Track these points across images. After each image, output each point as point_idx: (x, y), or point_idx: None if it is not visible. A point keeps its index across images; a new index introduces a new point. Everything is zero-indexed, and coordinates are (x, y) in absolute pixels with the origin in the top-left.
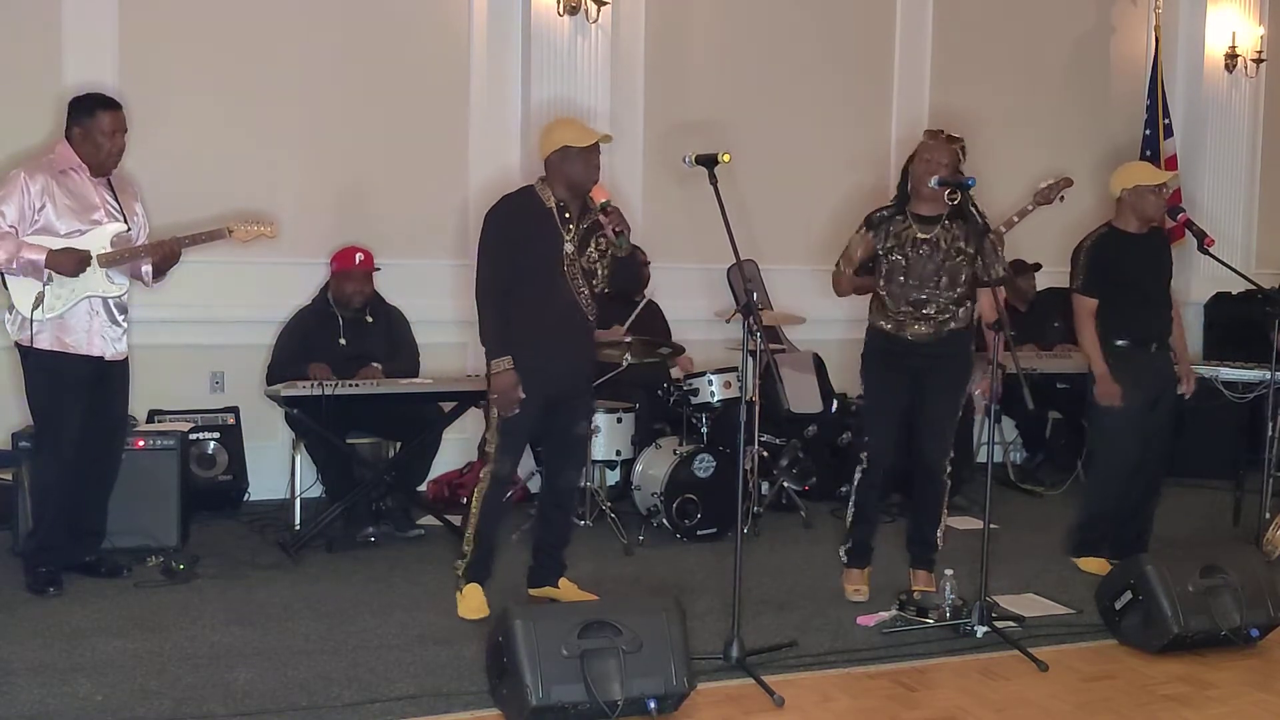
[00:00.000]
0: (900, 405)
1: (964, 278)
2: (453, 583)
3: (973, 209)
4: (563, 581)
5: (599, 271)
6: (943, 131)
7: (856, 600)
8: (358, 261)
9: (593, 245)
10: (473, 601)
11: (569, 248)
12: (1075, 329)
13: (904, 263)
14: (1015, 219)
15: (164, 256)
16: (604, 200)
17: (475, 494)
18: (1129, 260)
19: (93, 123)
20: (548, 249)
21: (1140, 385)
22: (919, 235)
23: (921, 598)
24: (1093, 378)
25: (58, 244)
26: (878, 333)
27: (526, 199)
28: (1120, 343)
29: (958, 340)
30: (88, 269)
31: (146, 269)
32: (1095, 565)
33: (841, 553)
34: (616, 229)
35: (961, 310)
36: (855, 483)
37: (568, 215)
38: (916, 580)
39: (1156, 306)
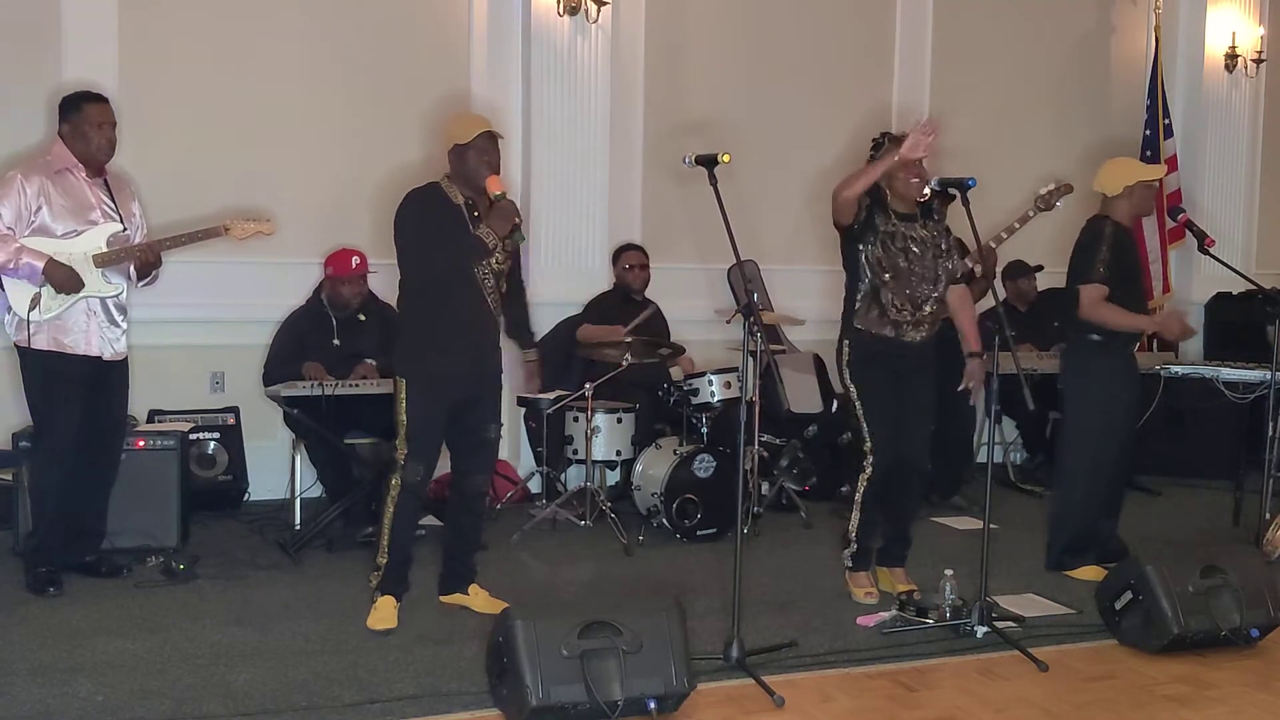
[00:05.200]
0: (896, 405)
1: (946, 274)
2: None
3: (965, 209)
4: (473, 588)
5: (503, 272)
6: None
7: (870, 603)
8: (354, 265)
9: (501, 245)
10: (383, 612)
11: (497, 242)
12: (1093, 318)
13: (905, 261)
14: (1017, 224)
15: (144, 260)
16: (498, 192)
17: (387, 503)
18: (1132, 256)
19: (80, 116)
20: (465, 248)
21: (1120, 386)
22: (908, 234)
23: (922, 597)
24: (1073, 372)
25: (55, 246)
26: (871, 337)
27: (436, 195)
28: (1096, 338)
29: (935, 339)
30: (79, 290)
31: (132, 270)
32: (1090, 573)
33: (846, 557)
34: (515, 223)
35: (940, 310)
36: (862, 488)
37: (476, 214)
38: (897, 579)
39: (1137, 304)
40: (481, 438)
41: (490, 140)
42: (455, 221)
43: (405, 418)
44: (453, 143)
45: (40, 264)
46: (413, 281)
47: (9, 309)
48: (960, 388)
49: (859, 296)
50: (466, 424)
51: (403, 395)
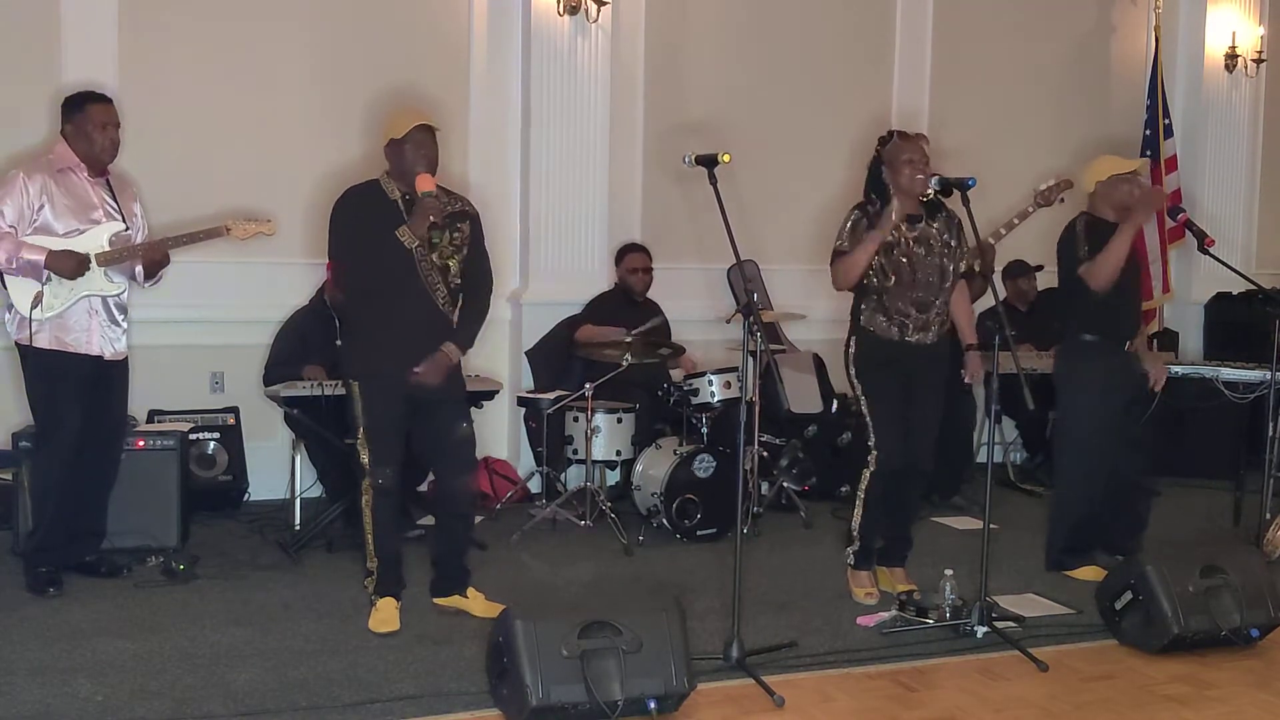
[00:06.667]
0: (903, 406)
1: (953, 272)
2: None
3: (965, 208)
4: (470, 591)
5: (451, 266)
6: (915, 134)
7: (870, 603)
8: None
9: (445, 239)
10: (385, 614)
11: (417, 242)
12: (1100, 285)
13: (908, 263)
14: (1016, 220)
15: (152, 259)
16: (426, 190)
17: (363, 510)
18: None
19: (83, 117)
20: (396, 244)
21: (1114, 386)
22: (910, 234)
23: (922, 597)
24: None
25: (56, 244)
26: (877, 337)
27: (370, 192)
28: (1088, 337)
29: (945, 341)
30: (87, 271)
31: (138, 269)
32: (1089, 573)
33: (849, 554)
34: (431, 221)
35: (947, 309)
36: (864, 486)
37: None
38: (897, 579)
39: (1131, 303)
40: (453, 438)
41: (425, 133)
42: (387, 219)
43: (363, 420)
44: (388, 137)
45: (40, 258)
46: (345, 282)
47: (10, 307)
48: (967, 380)
49: (864, 298)
50: (433, 427)
51: (357, 397)
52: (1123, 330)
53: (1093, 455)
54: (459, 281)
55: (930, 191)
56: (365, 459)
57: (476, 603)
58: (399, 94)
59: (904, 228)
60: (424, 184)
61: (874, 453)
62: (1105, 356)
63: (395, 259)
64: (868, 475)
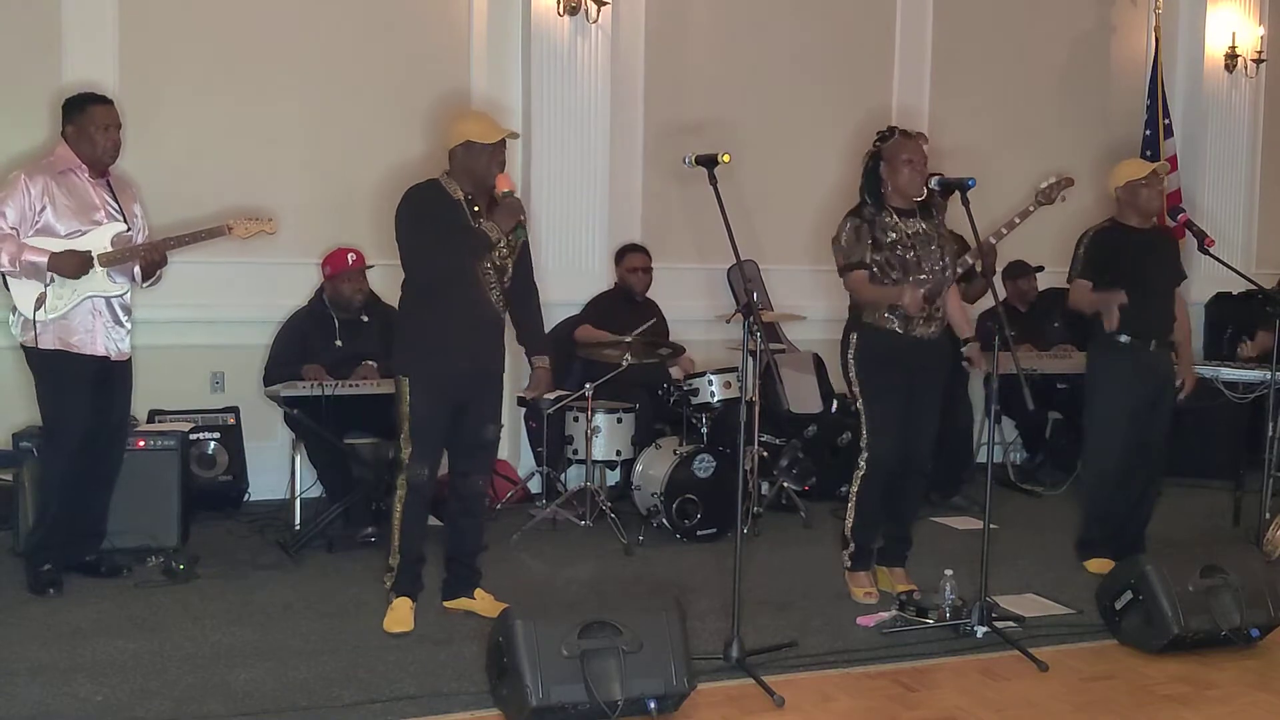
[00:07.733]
0: (903, 404)
1: (951, 264)
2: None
3: (965, 208)
4: (479, 592)
5: (508, 267)
6: (916, 132)
7: (869, 603)
8: (351, 261)
9: (504, 240)
10: (399, 614)
11: (502, 239)
12: (1079, 310)
13: (915, 257)
14: (1017, 219)
15: (150, 259)
16: (505, 190)
17: (395, 504)
18: (1130, 253)
19: (84, 118)
20: (468, 242)
21: (1139, 383)
22: (909, 230)
23: (922, 597)
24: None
25: (58, 245)
26: (881, 333)
27: (436, 191)
28: (1121, 338)
29: (945, 335)
30: (90, 270)
31: (136, 270)
32: (1101, 566)
33: (845, 557)
34: (520, 220)
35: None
36: (857, 486)
37: (476, 209)
38: (897, 579)
39: (1158, 302)
40: (478, 438)
41: (504, 144)
42: (455, 216)
43: (409, 417)
44: (467, 139)
45: (43, 259)
46: (415, 278)
47: (14, 309)
48: (968, 361)
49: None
50: (463, 424)
51: (406, 393)
52: (1150, 329)
53: (1118, 451)
54: (509, 284)
55: (924, 192)
56: (405, 455)
57: (484, 603)
58: (454, 101)
59: (903, 224)
60: (505, 184)
61: (865, 454)
62: (1133, 355)
63: (466, 255)
64: (859, 478)
